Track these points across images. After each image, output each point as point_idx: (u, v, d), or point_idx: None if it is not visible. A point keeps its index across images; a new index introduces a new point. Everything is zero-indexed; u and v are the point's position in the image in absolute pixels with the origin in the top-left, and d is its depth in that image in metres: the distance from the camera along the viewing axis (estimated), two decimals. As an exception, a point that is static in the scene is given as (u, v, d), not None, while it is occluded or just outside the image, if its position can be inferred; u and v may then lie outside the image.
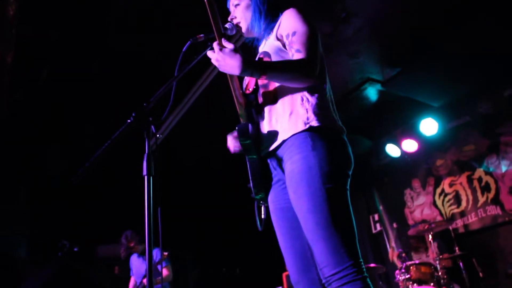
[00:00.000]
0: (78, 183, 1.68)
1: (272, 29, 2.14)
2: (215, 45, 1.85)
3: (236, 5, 2.22)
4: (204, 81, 5.05)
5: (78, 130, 5.80)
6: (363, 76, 5.89)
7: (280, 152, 1.97)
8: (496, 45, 5.27)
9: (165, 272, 5.75)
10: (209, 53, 1.86)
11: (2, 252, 5.91)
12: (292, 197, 1.86)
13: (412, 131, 6.83)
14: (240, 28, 2.21)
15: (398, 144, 7.04)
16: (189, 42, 1.90)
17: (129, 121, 1.66)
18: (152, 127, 1.66)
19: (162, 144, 6.25)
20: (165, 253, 5.57)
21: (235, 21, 2.20)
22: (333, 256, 1.71)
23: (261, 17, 2.17)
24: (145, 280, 5.62)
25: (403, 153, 7.10)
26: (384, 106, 6.63)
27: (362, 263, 1.76)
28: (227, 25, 2.12)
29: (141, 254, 5.99)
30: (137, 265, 5.95)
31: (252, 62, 1.83)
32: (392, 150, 7.14)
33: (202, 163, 7.09)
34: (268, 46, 2.12)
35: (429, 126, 6.49)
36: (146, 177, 1.59)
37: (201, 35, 1.94)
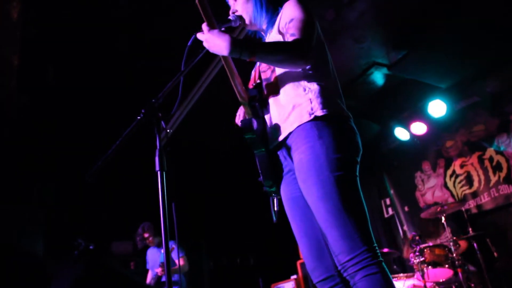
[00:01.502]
0: (93, 181, 1.69)
1: (274, 23, 2.15)
2: (204, 26, 1.85)
3: None
4: (209, 74, 5.05)
5: (89, 129, 5.83)
6: (369, 61, 5.86)
7: (288, 143, 1.98)
8: (502, 23, 5.21)
9: (181, 262, 5.80)
10: (199, 35, 1.86)
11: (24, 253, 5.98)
12: (302, 187, 1.88)
13: (420, 114, 6.80)
14: (244, 20, 2.21)
15: (407, 127, 7.02)
16: (193, 36, 1.90)
17: (139, 117, 1.67)
18: (162, 122, 1.67)
19: (172, 138, 6.28)
20: (173, 247, 5.57)
21: (237, 14, 2.19)
22: (347, 243, 1.73)
23: (262, 9, 2.19)
24: (158, 270, 5.71)
25: (412, 136, 7.07)
26: (391, 89, 6.60)
27: (377, 248, 1.78)
28: (230, 17, 2.13)
29: (157, 246, 6.08)
30: (153, 257, 6.05)
31: (241, 42, 1.82)
32: (401, 133, 7.11)
33: (212, 155, 7.11)
34: (271, 39, 2.13)
35: (438, 108, 6.45)
36: (159, 172, 1.61)
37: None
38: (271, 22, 2.18)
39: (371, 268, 1.71)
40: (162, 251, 5.92)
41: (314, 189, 1.81)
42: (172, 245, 5.60)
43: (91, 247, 5.70)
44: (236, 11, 2.21)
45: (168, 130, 1.69)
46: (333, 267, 1.91)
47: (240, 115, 2.23)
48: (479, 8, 4.97)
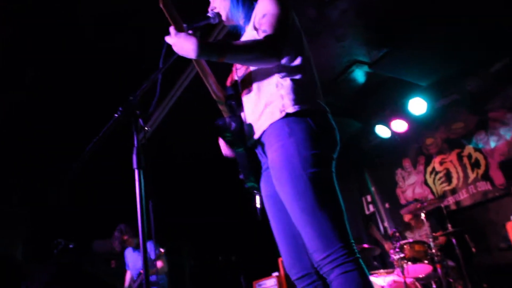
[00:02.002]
0: (72, 179, 1.68)
1: (250, 18, 2.13)
2: (171, 29, 1.84)
3: None
4: (191, 72, 5.03)
5: (68, 128, 5.76)
6: (350, 59, 5.88)
7: (263, 140, 1.97)
8: (481, 22, 5.28)
9: (159, 264, 5.74)
10: (167, 38, 1.85)
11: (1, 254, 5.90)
12: (277, 186, 1.87)
13: (401, 111, 6.85)
14: (222, 16, 2.20)
15: (388, 125, 7.06)
16: None
17: (116, 115, 1.65)
18: (140, 120, 1.66)
19: (153, 137, 6.24)
20: (162, 250, 5.57)
21: (215, 11, 2.18)
22: (322, 241, 1.71)
23: (238, 4, 2.16)
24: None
25: (393, 134, 7.13)
26: (372, 87, 6.65)
27: (353, 245, 1.75)
28: (209, 14, 2.11)
29: (136, 247, 5.99)
30: (133, 259, 5.95)
31: (209, 45, 1.80)
32: (382, 131, 7.16)
33: (193, 153, 7.08)
34: (246, 36, 2.12)
35: (418, 106, 6.51)
36: (136, 170, 1.59)
37: (184, 24, 1.93)
38: (248, 17, 2.15)
39: (347, 266, 1.69)
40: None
41: (288, 187, 1.80)
42: (152, 247, 5.50)
43: (71, 246, 5.64)
44: (215, 7, 2.19)
45: (146, 128, 1.67)
46: (310, 265, 1.90)
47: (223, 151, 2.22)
48: (460, 8, 5.03)
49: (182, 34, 1.80)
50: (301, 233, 1.79)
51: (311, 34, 5.10)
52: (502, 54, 5.92)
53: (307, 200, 1.76)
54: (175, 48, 1.82)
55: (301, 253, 1.94)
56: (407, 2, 4.95)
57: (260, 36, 1.92)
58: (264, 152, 2.01)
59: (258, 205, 2.12)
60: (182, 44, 1.78)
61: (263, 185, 2.10)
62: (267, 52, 1.86)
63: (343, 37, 5.34)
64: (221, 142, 2.18)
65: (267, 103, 1.94)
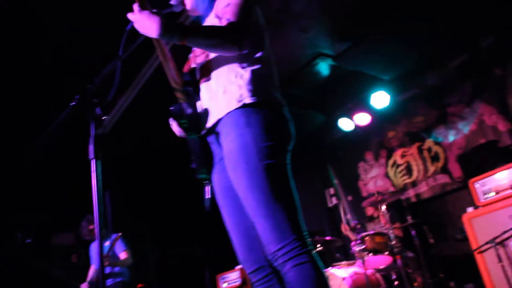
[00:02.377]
0: (27, 168, 1.62)
1: (212, 7, 2.12)
2: (134, 6, 1.80)
3: None
4: (155, 60, 4.93)
5: (24, 118, 5.57)
6: (315, 51, 5.90)
7: (218, 129, 1.95)
8: (442, 17, 5.38)
9: (123, 255, 5.67)
10: (129, 15, 1.81)
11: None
12: (232, 176, 1.86)
13: (364, 105, 6.93)
14: (185, 4, 2.15)
15: (351, 118, 7.14)
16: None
17: (72, 103, 1.59)
18: (98, 109, 1.60)
19: (116, 126, 6.11)
20: (119, 234, 5.51)
21: None
22: (276, 232, 1.71)
23: None
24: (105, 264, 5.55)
25: (356, 127, 7.21)
26: (336, 80, 6.69)
27: (306, 237, 1.76)
28: (172, 2, 2.06)
29: (103, 239, 5.91)
30: (96, 251, 5.84)
31: (172, 25, 1.77)
32: (345, 124, 7.23)
33: (158, 143, 6.97)
34: (207, 24, 2.10)
35: (381, 99, 6.59)
36: (92, 160, 1.54)
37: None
38: (210, 7, 2.14)
39: (300, 258, 1.69)
40: (107, 243, 5.80)
41: (243, 178, 1.79)
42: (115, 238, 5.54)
43: (28, 241, 5.49)
44: None
45: (104, 118, 1.61)
46: (263, 257, 1.89)
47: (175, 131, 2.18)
48: (422, 4, 5.11)
49: (146, 12, 1.76)
50: (255, 225, 1.78)
51: (276, 25, 5.09)
52: (461, 50, 6.05)
53: (262, 191, 1.75)
54: (137, 26, 1.79)
55: (255, 245, 1.92)
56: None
57: (223, 24, 1.91)
58: (218, 141, 1.98)
59: (208, 195, 2.09)
60: (145, 22, 1.75)
61: (215, 176, 2.06)
62: (229, 39, 1.85)
63: (308, 28, 5.35)
64: (174, 124, 2.13)
65: (225, 91, 1.92)
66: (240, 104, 1.86)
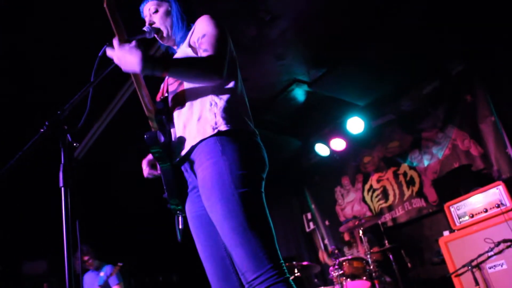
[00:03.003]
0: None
1: (186, 37, 2.13)
2: (114, 41, 1.78)
3: (155, 12, 2.17)
4: (129, 87, 4.91)
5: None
6: (290, 78, 5.96)
7: (192, 157, 1.93)
8: (413, 45, 5.51)
9: None
10: (108, 51, 1.78)
11: None
12: (206, 204, 1.84)
13: (339, 130, 7.01)
14: (161, 33, 2.16)
15: (327, 143, 7.19)
16: (105, 46, 1.81)
17: (42, 130, 1.56)
18: (68, 136, 1.57)
19: (91, 153, 6.04)
20: (120, 264, 5.80)
21: (154, 26, 2.14)
22: (252, 261, 1.70)
23: (183, 24, 2.16)
24: None
25: (332, 152, 7.26)
26: (311, 106, 6.75)
27: (283, 265, 1.75)
28: (145, 28, 2.07)
29: (95, 269, 5.98)
30: (91, 281, 5.90)
31: (153, 58, 1.76)
32: (321, 149, 7.28)
33: (133, 169, 6.91)
34: (180, 53, 2.11)
35: (356, 125, 6.67)
36: (62, 188, 1.51)
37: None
38: (184, 37, 2.15)
39: (277, 286, 1.68)
40: (101, 274, 5.80)
41: (218, 206, 1.77)
42: (111, 270, 5.80)
43: (-3, 269, 5.34)
44: (154, 23, 2.15)
45: (75, 144, 1.58)
46: (239, 286, 1.87)
47: (145, 169, 2.17)
48: (395, 32, 5.23)
49: (126, 46, 1.73)
50: (231, 253, 1.76)
51: (251, 52, 5.14)
52: (432, 77, 6.20)
53: (238, 219, 1.73)
54: (117, 61, 1.76)
55: (229, 274, 1.90)
56: (345, 24, 5.09)
57: (200, 54, 1.93)
58: (192, 170, 1.96)
59: (181, 225, 2.06)
60: (126, 57, 1.72)
61: (189, 205, 2.04)
62: (210, 70, 1.86)
63: (283, 55, 5.41)
64: (144, 164, 2.14)
65: (199, 119, 1.91)
66: (215, 131, 1.85)
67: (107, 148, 6.05)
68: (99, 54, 1.81)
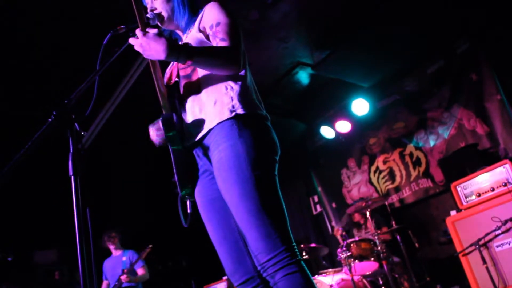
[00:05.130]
0: (3, 182, 1.57)
1: (194, 22, 2.13)
2: (138, 31, 1.80)
3: None
4: (133, 74, 4.90)
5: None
6: (294, 61, 5.94)
7: (206, 142, 1.95)
8: (418, 25, 5.47)
9: (141, 271, 6.03)
10: (132, 40, 1.80)
11: None
12: (222, 186, 1.86)
13: (344, 112, 6.99)
14: (162, 17, 2.15)
15: (332, 126, 7.19)
16: (109, 34, 1.82)
17: (50, 120, 1.57)
18: (76, 125, 1.58)
19: (96, 142, 6.06)
20: (150, 246, 6.07)
21: (156, 12, 2.14)
22: (266, 243, 1.73)
23: (184, 7, 2.15)
24: (122, 277, 5.67)
25: (337, 134, 7.26)
26: (316, 89, 6.74)
27: (295, 247, 1.79)
28: (148, 15, 2.06)
29: (118, 255, 6.16)
30: (111, 267, 6.07)
31: (178, 46, 1.80)
32: (327, 131, 7.28)
33: (140, 155, 6.94)
34: (190, 38, 2.09)
35: (361, 106, 6.66)
36: (72, 177, 1.52)
37: (122, 26, 1.87)
38: (191, 22, 2.15)
39: (290, 268, 1.72)
40: (124, 258, 5.91)
41: (235, 188, 1.79)
42: (134, 256, 6.00)
43: (9, 259, 5.40)
44: (155, 9, 2.14)
45: (83, 133, 1.59)
46: (253, 268, 1.90)
47: (153, 138, 2.16)
48: (398, 12, 5.18)
49: (151, 35, 1.77)
50: (245, 235, 1.79)
51: (254, 36, 5.12)
52: (437, 57, 6.15)
53: (253, 201, 1.76)
54: (141, 49, 1.78)
55: (244, 256, 1.92)
56: (348, 6, 5.05)
57: (217, 42, 1.94)
58: (205, 154, 1.98)
59: (189, 210, 2.07)
60: (151, 44, 1.76)
61: (200, 189, 2.06)
62: (231, 61, 1.89)
63: (286, 38, 5.39)
64: (153, 130, 2.13)
65: (215, 103, 1.93)
66: (233, 114, 1.88)
67: (113, 135, 6.07)
68: (104, 42, 1.82)
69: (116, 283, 5.74)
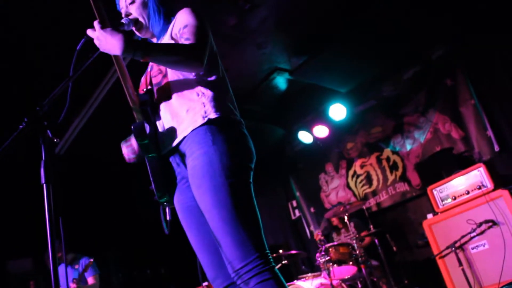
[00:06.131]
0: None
1: (167, 30, 2.13)
2: (95, 23, 1.77)
3: (131, 3, 2.14)
4: (109, 80, 4.85)
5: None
6: (271, 66, 5.95)
7: (182, 148, 1.94)
8: (395, 31, 5.53)
9: (91, 280, 5.80)
10: (89, 32, 1.78)
11: None
12: (196, 193, 1.85)
13: (322, 117, 7.02)
14: (141, 24, 2.14)
15: (310, 131, 7.21)
16: (83, 39, 1.79)
17: (21, 127, 1.54)
18: (49, 131, 1.55)
19: (73, 148, 5.98)
20: (91, 260, 5.62)
21: (131, 17, 2.12)
22: (240, 250, 1.74)
23: (160, 14, 2.15)
24: (72, 286, 5.55)
25: (315, 139, 7.28)
26: (293, 94, 6.76)
27: (269, 254, 1.80)
28: (123, 21, 2.04)
29: (69, 263, 5.90)
30: (63, 274, 5.83)
31: (135, 42, 1.77)
32: (305, 136, 7.30)
33: (116, 162, 6.86)
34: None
35: (338, 111, 6.69)
36: (44, 185, 1.49)
37: None
38: (164, 30, 2.14)
39: (264, 275, 1.73)
40: (76, 266, 5.79)
41: (208, 195, 1.80)
42: (87, 262, 5.71)
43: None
44: (131, 14, 2.13)
45: (55, 140, 1.56)
46: None
47: (125, 155, 2.14)
48: (375, 18, 5.24)
49: (108, 29, 1.74)
50: (219, 242, 1.78)
51: (232, 41, 5.11)
52: (413, 62, 6.24)
53: (227, 209, 1.77)
54: (98, 43, 1.76)
55: (224, 262, 1.92)
56: (324, 13, 5.09)
57: (182, 42, 1.93)
58: (182, 161, 1.98)
59: (168, 217, 2.06)
60: (107, 38, 1.73)
61: (178, 196, 2.05)
62: (191, 56, 1.86)
63: (264, 44, 5.39)
64: (124, 147, 2.11)
65: (189, 109, 1.93)
66: (205, 120, 1.88)
67: (89, 142, 5.99)
68: (77, 48, 1.79)
69: None
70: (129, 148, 2.10)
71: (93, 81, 4.95)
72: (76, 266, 5.75)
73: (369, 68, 6.34)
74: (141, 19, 2.13)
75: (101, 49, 1.77)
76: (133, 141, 2.08)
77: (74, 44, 1.79)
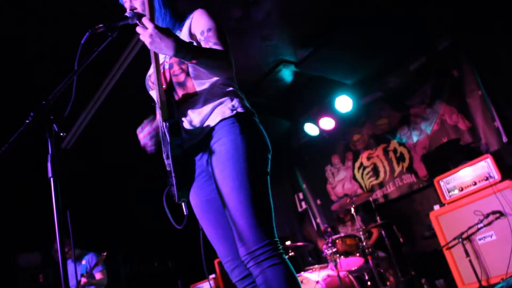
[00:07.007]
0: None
1: (181, 28, 2.16)
2: (146, 20, 1.78)
3: None
4: (115, 74, 4.86)
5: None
6: (277, 59, 5.94)
7: (206, 142, 2.00)
8: (400, 22, 5.50)
9: (99, 275, 5.84)
10: (139, 29, 1.78)
11: None
12: (219, 177, 1.92)
13: (328, 109, 7.00)
14: (141, 17, 2.13)
15: (316, 123, 7.20)
16: (87, 33, 1.78)
17: (27, 121, 1.55)
18: (55, 126, 1.56)
19: (80, 142, 6.00)
20: (104, 254, 5.71)
21: (136, 11, 2.11)
22: (254, 233, 1.82)
23: (166, 12, 2.16)
24: (82, 280, 5.58)
25: (321, 131, 7.28)
26: (299, 86, 6.76)
27: (278, 241, 1.88)
28: (127, 14, 2.01)
29: (76, 259, 5.98)
30: (71, 270, 5.85)
31: (186, 44, 1.82)
32: (311, 129, 7.29)
33: (123, 157, 6.89)
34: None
35: (344, 103, 6.67)
36: (52, 179, 1.50)
37: (101, 25, 1.83)
38: (172, 24, 2.16)
39: (274, 259, 1.82)
40: (83, 262, 5.82)
41: (230, 179, 1.88)
42: (93, 258, 5.83)
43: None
44: (135, 8, 2.12)
45: (62, 134, 1.57)
46: None
47: (143, 128, 2.15)
48: (380, 8, 5.22)
49: (162, 28, 1.77)
50: (235, 223, 1.86)
51: (237, 34, 5.11)
52: (419, 53, 6.20)
53: (247, 193, 1.86)
54: (149, 40, 1.75)
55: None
56: (330, 3, 5.07)
57: (210, 46, 1.98)
58: (202, 155, 2.04)
59: (185, 211, 2.08)
60: (162, 38, 1.74)
61: (195, 190, 2.12)
62: (227, 63, 1.96)
63: (269, 36, 5.38)
64: (143, 134, 2.13)
65: (216, 104, 2.01)
66: (234, 112, 1.98)
67: (96, 136, 6.01)
68: (82, 42, 1.79)
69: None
70: (151, 138, 2.12)
71: (99, 75, 4.97)
72: (83, 262, 5.81)
73: (375, 60, 6.31)
74: (146, 13, 2.13)
75: (152, 48, 1.80)
76: (147, 129, 2.12)
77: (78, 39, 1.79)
